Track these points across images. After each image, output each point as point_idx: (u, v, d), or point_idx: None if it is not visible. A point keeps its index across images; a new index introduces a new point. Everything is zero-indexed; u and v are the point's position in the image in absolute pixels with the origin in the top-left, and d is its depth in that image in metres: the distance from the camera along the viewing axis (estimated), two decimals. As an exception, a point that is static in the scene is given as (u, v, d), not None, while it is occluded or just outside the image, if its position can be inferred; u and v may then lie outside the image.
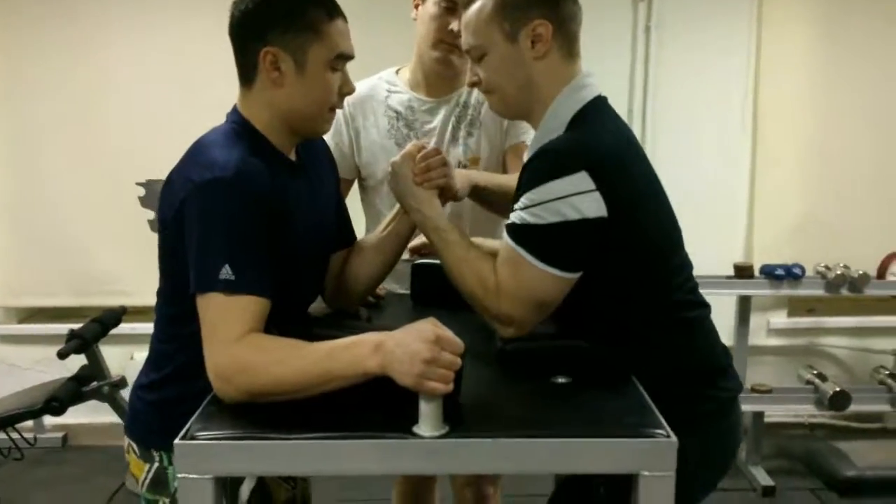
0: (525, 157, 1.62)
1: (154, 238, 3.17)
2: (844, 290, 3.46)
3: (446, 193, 1.69)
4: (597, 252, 1.47)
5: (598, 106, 1.57)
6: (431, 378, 1.20)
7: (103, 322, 2.88)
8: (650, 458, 1.23)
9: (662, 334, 1.55)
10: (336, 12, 1.50)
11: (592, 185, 1.42)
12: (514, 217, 1.49)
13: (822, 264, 3.55)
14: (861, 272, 3.43)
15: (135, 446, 1.59)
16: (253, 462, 1.23)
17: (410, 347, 1.21)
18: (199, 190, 1.37)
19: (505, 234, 1.52)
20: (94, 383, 2.83)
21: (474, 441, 1.22)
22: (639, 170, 1.53)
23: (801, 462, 2.64)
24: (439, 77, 2.14)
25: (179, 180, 1.43)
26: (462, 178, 1.78)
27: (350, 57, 1.53)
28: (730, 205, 3.78)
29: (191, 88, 3.63)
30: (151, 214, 3.30)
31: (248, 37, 1.48)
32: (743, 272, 3.46)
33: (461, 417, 1.26)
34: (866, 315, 3.82)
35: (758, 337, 3.84)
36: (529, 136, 2.07)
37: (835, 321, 3.87)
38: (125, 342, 3.55)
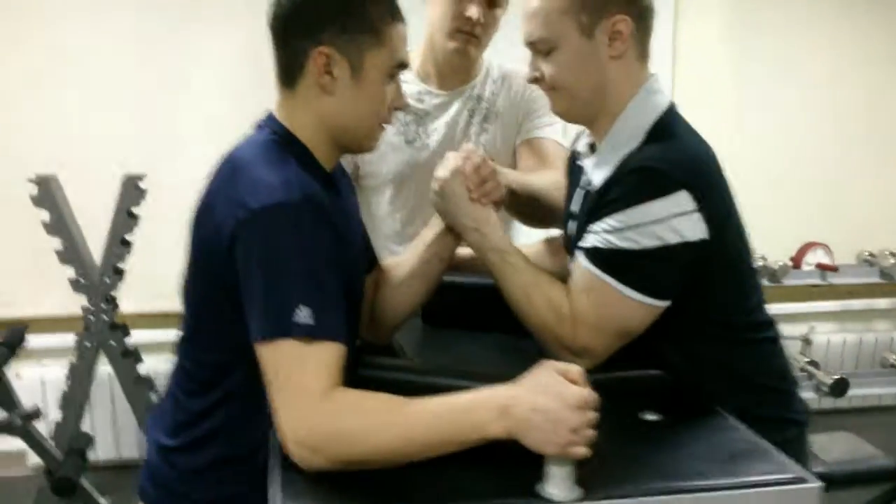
0: (592, 169, 1.47)
1: (47, 241, 2.90)
2: (765, 281, 3.55)
3: (497, 205, 1.50)
4: (690, 276, 1.36)
5: (676, 113, 1.46)
6: (577, 444, 1.06)
7: (8, 344, 2.53)
8: (798, 507, 1.14)
9: (741, 356, 1.47)
10: (398, 15, 1.31)
11: (693, 206, 1.31)
12: (597, 241, 1.36)
13: (740, 255, 3.63)
14: (781, 263, 3.53)
15: None
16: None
17: (555, 415, 1.05)
18: (260, 218, 1.15)
19: (582, 260, 1.38)
20: (4, 415, 2.48)
21: (616, 503, 1.09)
22: (725, 184, 1.43)
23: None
24: (453, 68, 1.95)
25: (225, 205, 1.20)
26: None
27: (407, 66, 1.35)
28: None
29: (83, 81, 3.30)
30: (46, 215, 2.93)
31: (297, 33, 1.27)
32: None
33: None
34: (776, 302, 3.92)
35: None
36: (546, 131, 1.96)
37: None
38: (10, 358, 3.15)
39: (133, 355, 3.15)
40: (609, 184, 1.39)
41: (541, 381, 1.09)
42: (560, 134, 2.00)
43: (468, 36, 1.87)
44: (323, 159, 1.34)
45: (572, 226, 1.54)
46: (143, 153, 3.25)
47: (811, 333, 3.93)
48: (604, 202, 1.38)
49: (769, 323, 1.53)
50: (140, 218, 2.98)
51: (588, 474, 1.10)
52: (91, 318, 3.03)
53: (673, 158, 1.34)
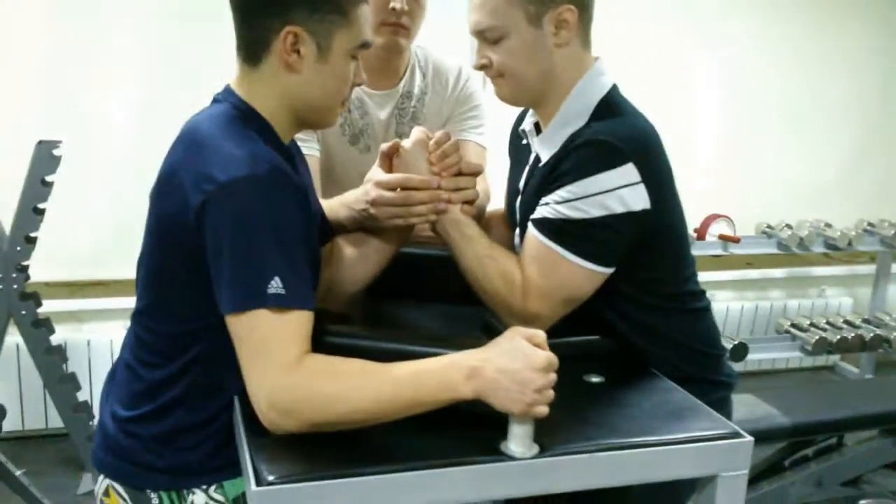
0: (539, 146, 1.54)
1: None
2: (671, 251, 3.69)
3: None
4: (633, 245, 1.44)
5: (619, 94, 1.53)
6: (540, 403, 1.13)
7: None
8: (731, 459, 1.24)
9: (677, 323, 1.57)
10: None
11: (638, 177, 1.40)
12: (547, 212, 1.43)
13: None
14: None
15: (119, 488, 1.34)
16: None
17: (521, 375, 1.12)
18: (230, 190, 1.17)
19: (533, 230, 1.45)
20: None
21: (571, 458, 1.17)
22: (666, 160, 1.51)
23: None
24: (384, 64, 1.92)
25: (191, 178, 1.21)
26: None
27: (370, 45, 1.37)
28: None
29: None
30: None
31: (265, 11, 1.27)
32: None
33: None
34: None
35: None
36: (471, 134, 1.99)
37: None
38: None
39: (44, 325, 3.07)
40: (558, 158, 1.47)
41: (508, 346, 1.16)
42: (484, 137, 2.03)
43: (396, 27, 1.84)
44: (282, 134, 1.35)
45: (518, 201, 1.61)
46: (57, 121, 3.14)
47: (712, 301, 4.13)
48: (554, 175, 1.45)
49: (702, 292, 1.65)
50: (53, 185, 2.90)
51: (543, 433, 1.17)
52: (0, 286, 2.94)
53: (620, 133, 1.43)
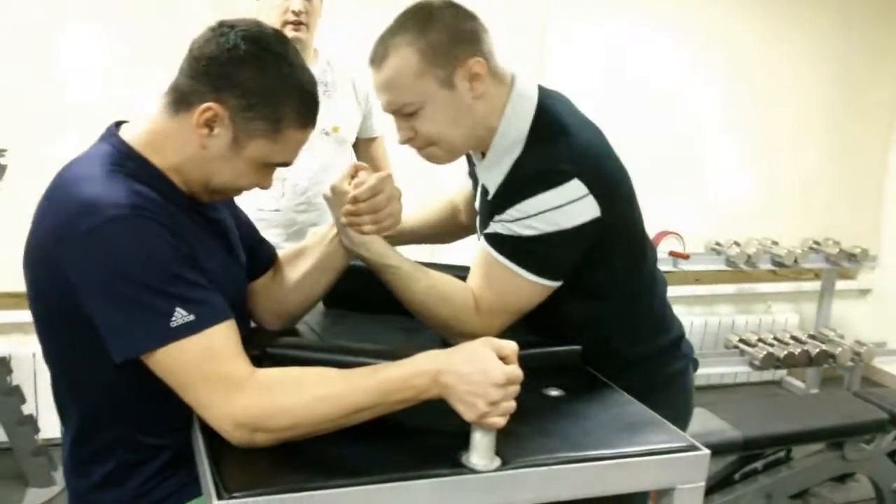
0: (484, 174, 1.55)
1: None
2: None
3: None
4: (588, 251, 1.47)
5: (549, 102, 1.52)
6: (495, 415, 1.13)
7: None
8: (688, 472, 1.26)
9: (636, 319, 1.63)
10: (310, 123, 1.30)
11: (585, 191, 1.41)
12: (500, 228, 1.45)
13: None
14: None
15: None
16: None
17: (478, 388, 1.12)
18: (93, 239, 1.13)
19: (485, 247, 1.47)
20: None
21: (532, 471, 1.17)
22: (616, 163, 1.53)
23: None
24: None
25: (53, 227, 1.19)
26: None
27: (289, 165, 1.33)
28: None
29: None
30: None
31: (206, 75, 1.23)
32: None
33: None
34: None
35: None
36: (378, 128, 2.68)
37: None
38: None
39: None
40: (506, 187, 1.48)
41: (472, 354, 1.15)
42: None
43: (296, 25, 2.35)
44: (178, 183, 1.30)
45: (478, 221, 1.66)
46: (3, 128, 3.06)
47: (662, 317, 4.18)
48: (507, 197, 1.46)
49: (661, 279, 1.71)
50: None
51: (505, 446, 1.18)
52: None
53: (558, 156, 1.43)
